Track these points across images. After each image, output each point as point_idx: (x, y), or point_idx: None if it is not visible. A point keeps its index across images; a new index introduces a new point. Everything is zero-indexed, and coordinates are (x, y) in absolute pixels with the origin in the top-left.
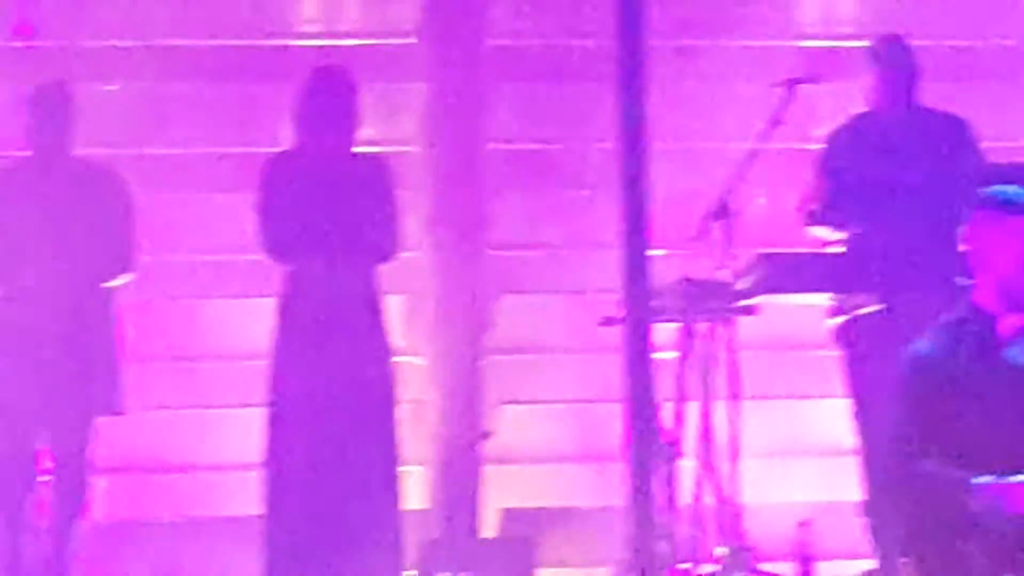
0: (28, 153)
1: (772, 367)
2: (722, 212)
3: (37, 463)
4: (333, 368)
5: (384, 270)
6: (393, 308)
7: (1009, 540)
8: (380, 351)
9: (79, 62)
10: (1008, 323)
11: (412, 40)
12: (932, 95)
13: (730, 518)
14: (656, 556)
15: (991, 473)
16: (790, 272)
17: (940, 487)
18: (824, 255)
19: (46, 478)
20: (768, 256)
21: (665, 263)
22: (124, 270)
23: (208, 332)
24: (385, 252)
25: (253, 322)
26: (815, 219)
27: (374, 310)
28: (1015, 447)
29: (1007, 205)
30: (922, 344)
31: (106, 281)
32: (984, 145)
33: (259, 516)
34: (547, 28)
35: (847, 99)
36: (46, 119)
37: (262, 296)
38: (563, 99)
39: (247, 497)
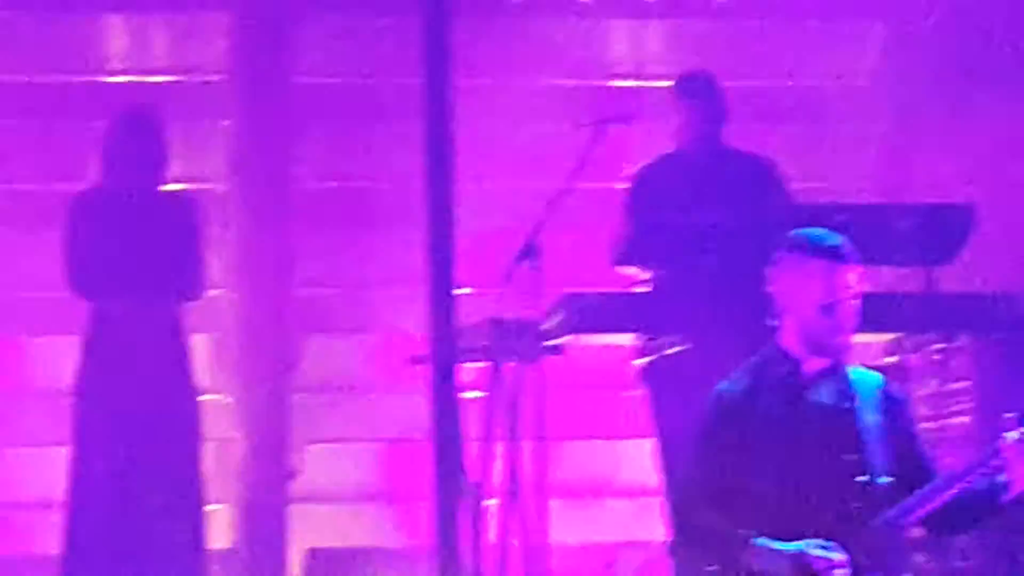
0: None
1: (579, 407)
2: (530, 252)
3: None
4: (137, 406)
5: (190, 308)
6: (199, 346)
7: None
8: (185, 389)
9: None
10: (812, 365)
11: (220, 77)
12: (740, 134)
13: (536, 558)
14: None
15: (784, 525)
16: (597, 312)
17: (720, 542)
18: (631, 295)
19: None
20: (575, 296)
21: (472, 302)
22: None
23: (10, 368)
24: (191, 290)
25: (58, 359)
26: (623, 259)
27: (179, 348)
28: (813, 496)
29: (808, 247)
30: (726, 385)
31: None
32: (792, 185)
33: (60, 555)
34: (355, 66)
35: (656, 138)
36: None
37: (67, 334)
38: (370, 138)
39: (48, 536)
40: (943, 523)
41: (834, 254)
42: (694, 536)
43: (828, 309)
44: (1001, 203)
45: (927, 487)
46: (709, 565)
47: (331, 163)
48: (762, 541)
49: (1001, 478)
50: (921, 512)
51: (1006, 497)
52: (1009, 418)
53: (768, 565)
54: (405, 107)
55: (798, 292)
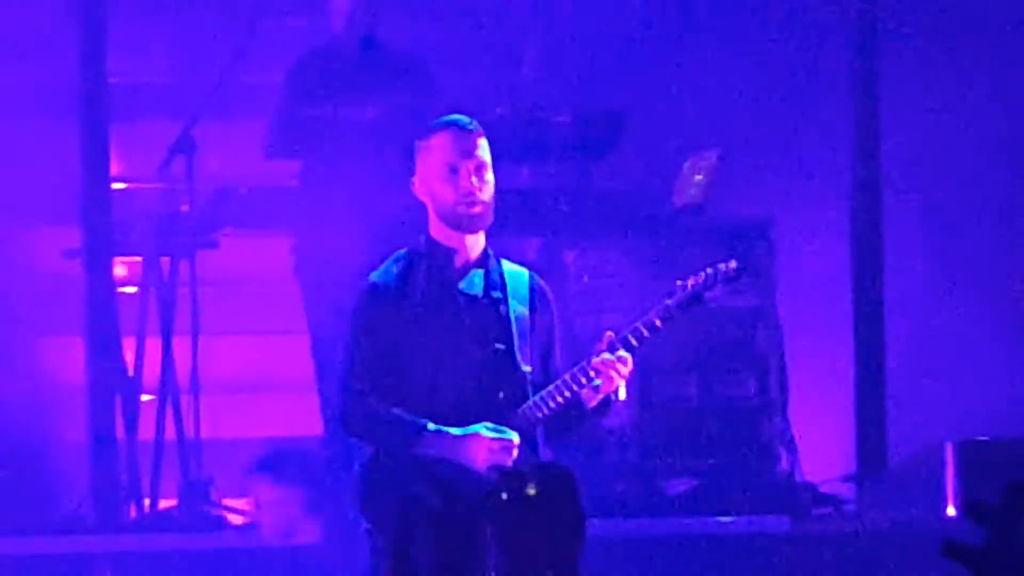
0: None
1: (234, 302)
2: (184, 145)
3: None
4: None
5: None
6: None
7: (463, 491)
8: None
9: None
10: (462, 256)
11: None
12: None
13: (191, 453)
14: (117, 490)
15: (438, 412)
16: (250, 207)
17: (391, 431)
18: (283, 189)
19: None
20: (228, 189)
21: (127, 197)
22: None
23: None
24: None
25: None
26: (274, 152)
27: None
28: (464, 383)
29: (435, 125)
30: (377, 275)
31: None
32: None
33: None
34: None
35: (312, 32)
36: None
37: None
38: None
39: None
40: (554, 427)
41: (456, 124)
42: (364, 425)
43: (454, 173)
44: None
45: (548, 390)
46: (363, 457)
47: None
48: (434, 427)
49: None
50: (543, 414)
51: (594, 402)
52: (608, 338)
53: (445, 451)
54: None
55: (429, 168)
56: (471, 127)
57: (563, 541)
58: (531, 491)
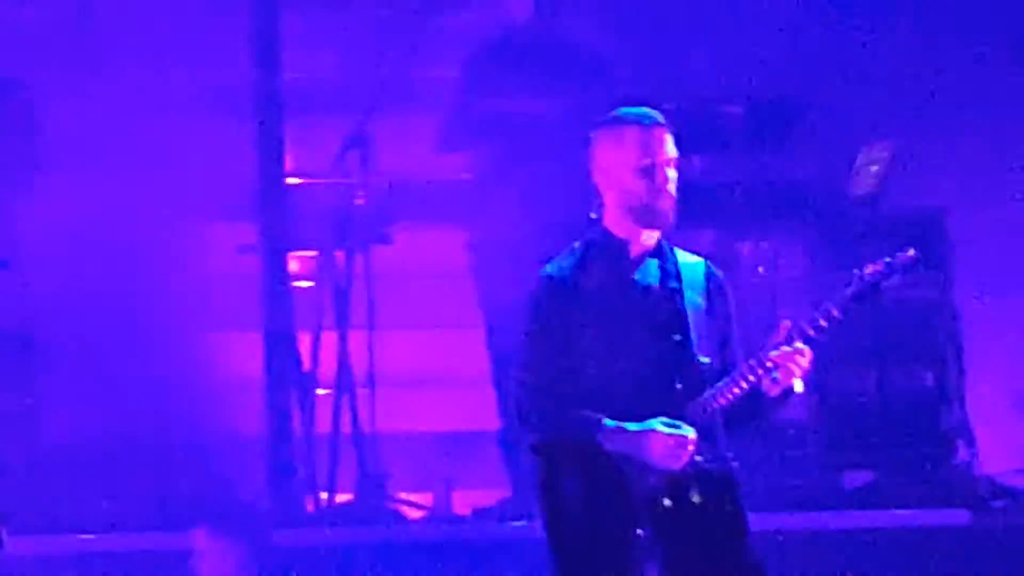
0: None
1: (408, 296)
2: (358, 141)
3: None
4: None
5: None
6: None
7: (639, 485)
8: None
9: None
10: (637, 247)
11: None
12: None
13: (367, 447)
14: (294, 484)
15: (613, 406)
16: (425, 201)
17: (568, 427)
18: (457, 183)
19: None
20: (403, 185)
21: (301, 192)
22: None
23: None
24: None
25: None
26: (449, 146)
27: None
28: (641, 376)
29: (621, 116)
30: (552, 268)
31: None
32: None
33: None
34: None
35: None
36: None
37: None
38: None
39: None
40: (731, 418)
41: (646, 118)
42: (540, 423)
43: (646, 171)
44: None
45: (725, 380)
46: (554, 451)
47: None
48: (611, 423)
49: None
50: (721, 403)
51: (773, 393)
52: (786, 329)
53: (621, 446)
54: None
55: (615, 162)
56: (660, 121)
57: (724, 547)
58: (695, 499)
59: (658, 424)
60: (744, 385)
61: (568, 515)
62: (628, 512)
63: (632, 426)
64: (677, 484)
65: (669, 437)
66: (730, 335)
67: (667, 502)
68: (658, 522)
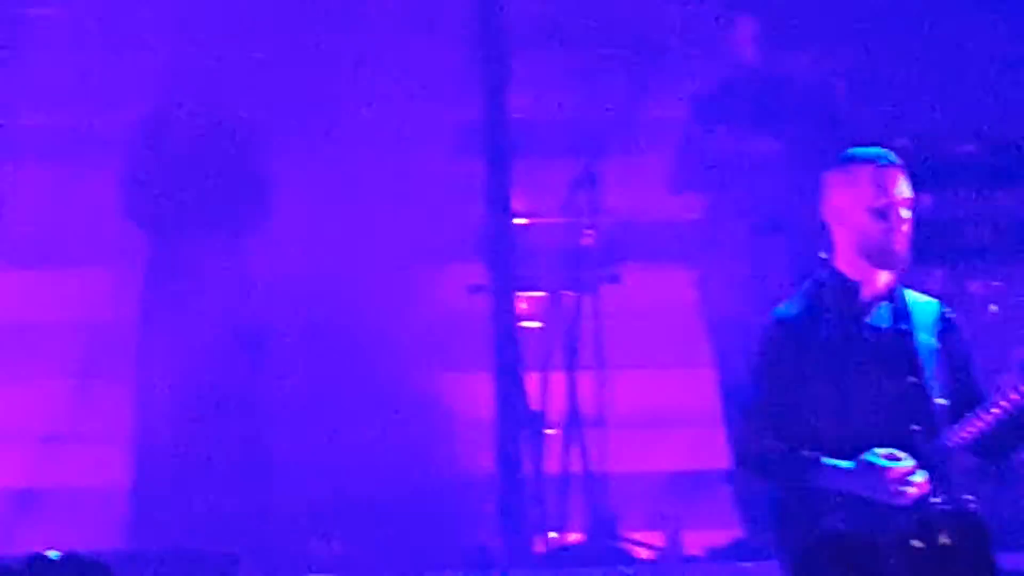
0: None
1: (637, 336)
2: (587, 180)
3: None
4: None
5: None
6: None
7: (863, 522)
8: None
9: None
10: (869, 288)
11: None
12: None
13: (597, 487)
14: (524, 524)
15: (843, 448)
16: (653, 240)
17: (786, 466)
18: (686, 223)
19: None
20: (631, 224)
21: (530, 232)
22: None
23: None
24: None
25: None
26: (678, 186)
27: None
28: (872, 418)
29: (855, 156)
30: (782, 309)
31: None
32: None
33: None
34: None
35: (711, 65)
36: None
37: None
38: None
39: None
40: (989, 448)
41: (881, 158)
42: (759, 462)
43: (881, 212)
44: None
45: (974, 411)
46: (775, 490)
47: None
48: (829, 461)
49: None
50: (969, 436)
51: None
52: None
53: (841, 484)
54: None
55: (848, 202)
56: (895, 161)
57: None
58: (944, 541)
59: (874, 457)
60: (982, 425)
61: (812, 556)
62: (874, 554)
63: (846, 463)
64: (925, 526)
65: (888, 470)
66: (968, 374)
67: (917, 544)
68: (907, 565)
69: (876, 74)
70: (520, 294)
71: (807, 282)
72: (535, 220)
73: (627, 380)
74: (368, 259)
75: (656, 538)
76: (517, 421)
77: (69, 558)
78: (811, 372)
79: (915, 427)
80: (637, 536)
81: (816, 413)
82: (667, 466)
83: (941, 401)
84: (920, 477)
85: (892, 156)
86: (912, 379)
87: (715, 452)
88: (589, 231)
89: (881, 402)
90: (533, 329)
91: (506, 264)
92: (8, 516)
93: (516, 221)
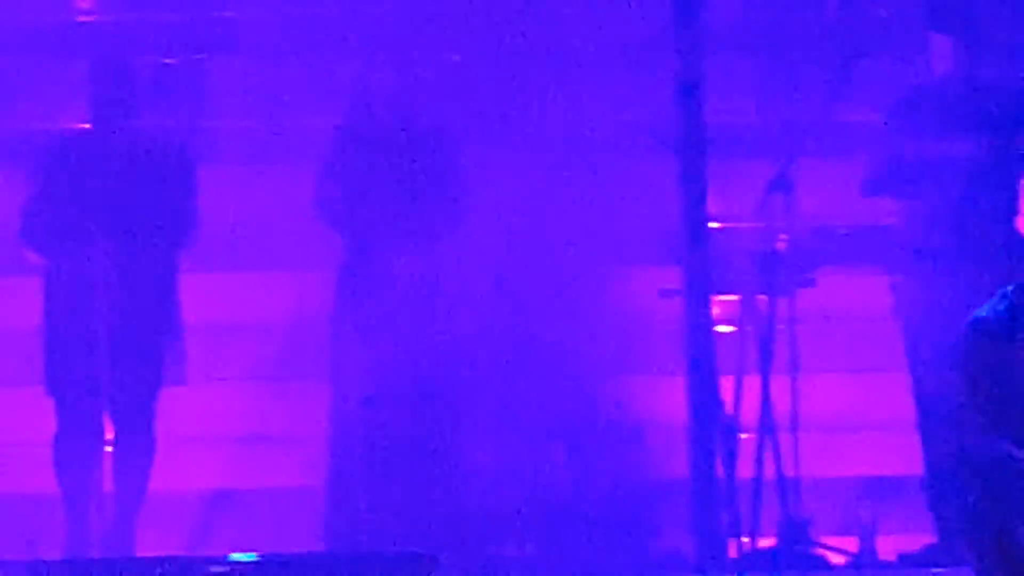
0: (87, 126)
1: (832, 340)
2: (782, 184)
3: (104, 433)
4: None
5: None
6: None
7: None
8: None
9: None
10: None
11: None
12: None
13: (790, 492)
14: (718, 529)
15: None
16: (848, 245)
17: (1000, 465)
18: (882, 227)
19: (111, 448)
20: (827, 228)
21: (725, 235)
22: (187, 240)
23: None
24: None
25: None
26: (873, 190)
27: None
28: None
29: None
30: (984, 312)
31: (170, 252)
32: None
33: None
34: None
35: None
36: (106, 92)
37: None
38: None
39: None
40: None
41: None
42: (970, 466)
43: None
44: None
45: None
46: (985, 495)
47: None
48: None
49: None
50: None
51: None
52: None
53: None
54: None
55: None
56: None
57: None
58: None
59: None
60: None
61: (1006, 564)
62: None
63: None
64: None
65: None
66: None
67: None
68: None
69: None
70: (714, 298)
71: (1009, 285)
72: (729, 224)
73: (821, 384)
74: (560, 262)
75: (849, 543)
76: (710, 425)
77: None
78: (1015, 375)
79: None
80: (830, 541)
81: (1015, 426)
82: (860, 471)
83: None
84: None
85: None
86: None
87: (908, 457)
88: (783, 235)
89: None
90: (727, 333)
91: (700, 268)
92: (206, 517)
93: (710, 224)
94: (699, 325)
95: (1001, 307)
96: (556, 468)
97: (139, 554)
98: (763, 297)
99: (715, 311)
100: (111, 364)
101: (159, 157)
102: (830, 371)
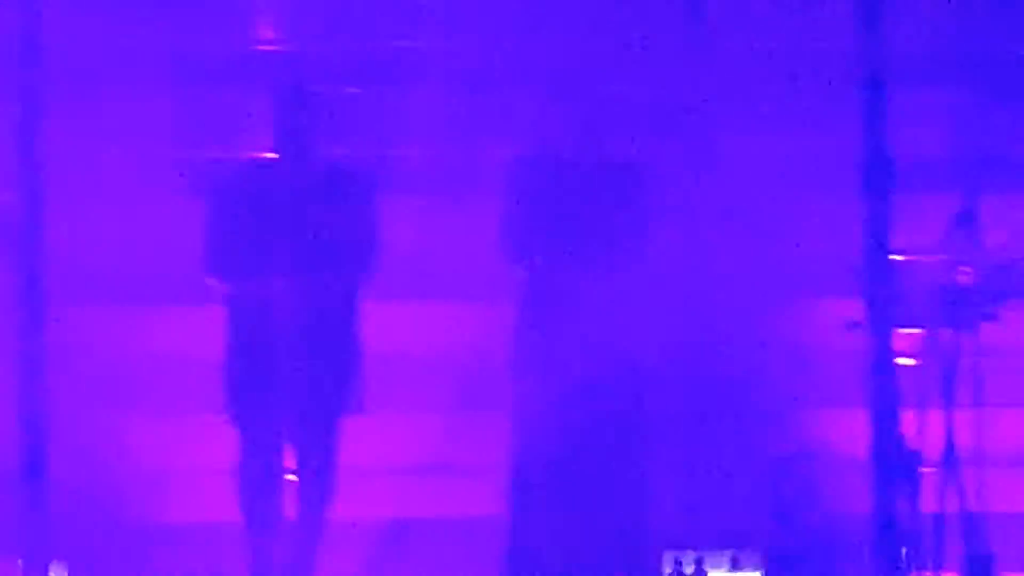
0: (273, 155)
1: (1017, 375)
2: (967, 217)
3: (284, 462)
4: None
5: None
6: None
7: None
8: None
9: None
10: None
11: None
12: None
13: (973, 526)
14: (899, 564)
15: None
16: None
17: None
18: None
19: (293, 476)
20: (1013, 262)
21: (909, 268)
22: (368, 269)
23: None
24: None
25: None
26: None
27: None
28: None
29: None
30: None
31: (352, 281)
32: None
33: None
34: None
35: None
36: (289, 121)
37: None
38: None
39: None
40: None
41: None
42: None
43: None
44: None
45: None
46: None
47: None
48: None
49: None
50: None
51: None
52: None
53: None
54: None
55: None
56: None
57: None
58: None
59: None
60: None
61: None
62: None
63: None
64: None
65: None
66: None
67: None
68: None
69: None
70: (897, 331)
71: None
72: (914, 257)
73: (1005, 419)
74: (745, 293)
75: None
76: (893, 459)
77: None
78: None
79: None
80: None
81: None
82: None
83: None
84: None
85: None
86: None
87: None
88: (967, 269)
89: None
90: (910, 366)
91: (884, 300)
92: (384, 547)
93: (895, 257)
94: (882, 358)
95: None
96: (738, 500)
97: None
98: (947, 331)
99: (898, 344)
100: (292, 392)
101: (342, 186)
102: (1013, 406)
